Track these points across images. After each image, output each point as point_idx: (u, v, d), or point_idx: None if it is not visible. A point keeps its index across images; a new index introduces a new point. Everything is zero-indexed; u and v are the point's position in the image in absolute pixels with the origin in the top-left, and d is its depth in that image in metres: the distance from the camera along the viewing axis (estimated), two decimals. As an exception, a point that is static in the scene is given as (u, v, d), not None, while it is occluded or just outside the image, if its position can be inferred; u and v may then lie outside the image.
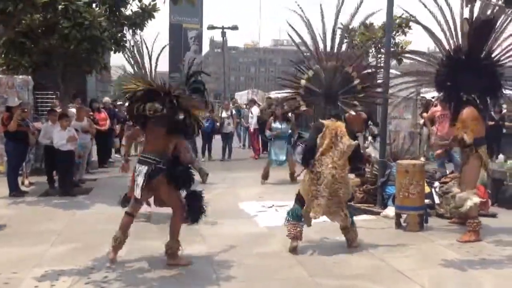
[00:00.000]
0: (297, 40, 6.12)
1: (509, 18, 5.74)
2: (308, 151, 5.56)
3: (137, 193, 4.92)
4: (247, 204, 7.97)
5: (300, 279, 4.72)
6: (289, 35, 6.10)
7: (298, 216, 5.48)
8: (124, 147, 6.27)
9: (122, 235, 5.03)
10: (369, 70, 6.19)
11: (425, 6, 6.00)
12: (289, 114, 10.67)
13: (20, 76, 10.82)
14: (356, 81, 5.68)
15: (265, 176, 10.09)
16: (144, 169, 4.87)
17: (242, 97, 27.49)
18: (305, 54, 6.12)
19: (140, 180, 4.87)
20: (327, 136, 5.41)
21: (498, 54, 5.99)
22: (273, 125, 10.30)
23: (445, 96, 6.47)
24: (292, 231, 5.43)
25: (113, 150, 13.80)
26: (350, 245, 5.58)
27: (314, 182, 5.37)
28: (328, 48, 5.80)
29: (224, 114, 14.63)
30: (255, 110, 15.59)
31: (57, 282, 4.60)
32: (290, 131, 10.46)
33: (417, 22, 6.31)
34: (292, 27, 5.96)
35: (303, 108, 5.84)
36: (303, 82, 5.84)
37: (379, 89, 6.40)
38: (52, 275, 4.76)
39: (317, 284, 4.57)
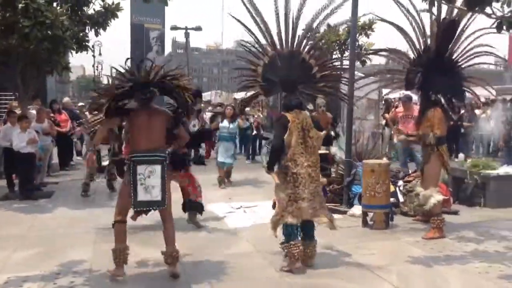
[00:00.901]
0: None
1: (471, 20, 5.93)
2: (274, 152, 4.99)
3: (155, 195, 4.56)
4: (216, 206, 7.93)
5: (271, 278, 4.73)
6: (237, 20, 5.58)
7: (292, 232, 4.89)
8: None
9: (121, 245, 4.72)
10: (326, 59, 5.89)
11: (402, 6, 6.05)
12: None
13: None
14: (315, 69, 5.33)
15: (223, 180, 10.00)
16: (157, 168, 4.53)
17: (205, 98, 27.32)
18: (256, 39, 5.61)
19: (155, 181, 4.52)
20: (293, 131, 4.88)
21: (458, 55, 6.18)
22: (221, 124, 10.11)
23: (415, 94, 6.61)
24: (294, 252, 4.82)
25: (74, 153, 13.50)
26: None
27: (291, 185, 4.86)
28: (283, 35, 5.37)
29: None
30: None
31: (21, 288, 4.47)
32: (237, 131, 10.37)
33: (390, 22, 6.39)
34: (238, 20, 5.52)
35: (263, 97, 5.62)
36: (259, 69, 5.44)
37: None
38: (16, 281, 4.62)
39: (287, 284, 4.59)
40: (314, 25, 5.43)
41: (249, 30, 5.49)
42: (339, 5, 5.50)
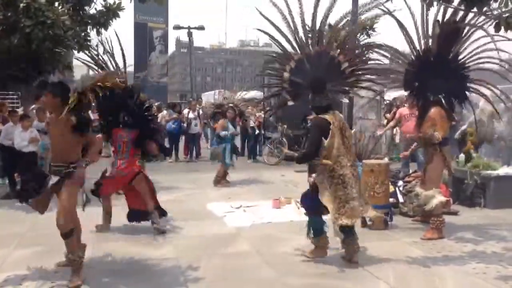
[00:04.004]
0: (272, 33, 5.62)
1: (477, 23, 5.89)
2: (312, 153, 4.97)
3: None
4: (215, 205, 7.95)
5: (268, 279, 4.74)
6: (262, 31, 5.56)
7: (319, 229, 5.18)
8: None
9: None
10: (357, 51, 5.69)
11: (407, 5, 6.02)
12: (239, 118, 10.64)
13: (-21, 76, 10.48)
14: (345, 65, 5.24)
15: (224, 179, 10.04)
16: None
17: (208, 97, 27.38)
18: (280, 45, 5.55)
19: None
20: (335, 133, 4.91)
21: (464, 57, 6.16)
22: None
23: (413, 95, 6.60)
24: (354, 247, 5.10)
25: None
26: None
27: (340, 187, 4.91)
28: (310, 36, 5.32)
29: (191, 115, 14.55)
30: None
31: (20, 287, 4.50)
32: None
33: (394, 18, 6.35)
34: (267, 18, 5.47)
35: (291, 103, 5.44)
36: (286, 75, 5.40)
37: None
38: (15, 279, 4.64)
39: (284, 284, 4.60)
40: (342, 23, 5.41)
41: (273, 37, 5.49)
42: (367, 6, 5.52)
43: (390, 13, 5.94)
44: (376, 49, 6.06)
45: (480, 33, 5.83)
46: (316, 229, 5.19)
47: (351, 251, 5.10)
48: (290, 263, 5.12)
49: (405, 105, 9.58)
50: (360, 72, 5.42)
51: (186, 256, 5.33)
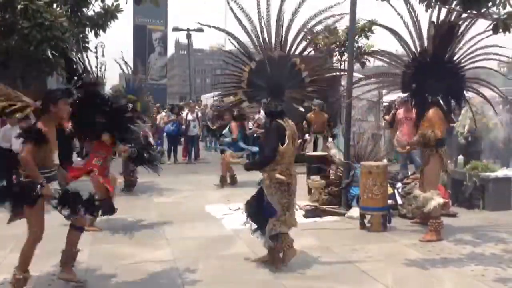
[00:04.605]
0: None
1: (471, 23, 5.91)
2: (268, 159, 4.85)
3: None
4: (214, 207, 7.94)
5: (266, 281, 4.72)
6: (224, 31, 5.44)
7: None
8: None
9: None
10: (317, 62, 5.63)
11: (395, 10, 6.04)
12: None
13: (-23, 78, 10.46)
14: (305, 74, 5.17)
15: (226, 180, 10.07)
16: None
17: (208, 99, 27.38)
18: (242, 45, 5.43)
19: None
20: (290, 140, 4.82)
21: (460, 57, 6.16)
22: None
23: (410, 97, 6.59)
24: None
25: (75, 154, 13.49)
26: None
27: (286, 195, 4.85)
28: (273, 38, 5.19)
29: (189, 117, 14.53)
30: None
31: (16, 289, 4.46)
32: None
33: (383, 26, 6.40)
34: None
35: (246, 104, 5.32)
36: (245, 74, 5.29)
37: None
38: (11, 282, 4.61)
39: (282, 286, 4.58)
40: (305, 29, 5.32)
41: (233, 36, 5.33)
42: (333, 13, 5.49)
43: (379, 24, 5.98)
44: (373, 56, 6.07)
45: (474, 31, 5.85)
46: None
47: (275, 258, 4.94)
48: (289, 266, 5.09)
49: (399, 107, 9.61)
50: (318, 84, 5.34)
51: (184, 258, 5.32)
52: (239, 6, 5.19)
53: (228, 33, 5.33)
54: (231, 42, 5.44)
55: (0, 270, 4.99)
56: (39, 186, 4.28)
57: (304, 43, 5.35)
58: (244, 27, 5.23)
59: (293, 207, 4.98)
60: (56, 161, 4.56)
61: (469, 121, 8.89)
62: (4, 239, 6.04)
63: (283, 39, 5.22)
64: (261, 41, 5.22)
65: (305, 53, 5.36)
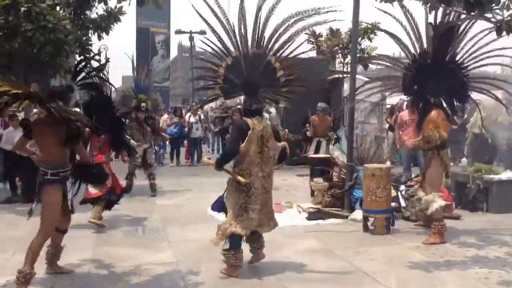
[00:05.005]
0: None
1: (471, 23, 5.90)
2: (227, 155, 4.97)
3: None
4: (216, 209, 7.90)
5: (269, 283, 4.71)
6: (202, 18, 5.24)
7: (237, 243, 4.83)
8: None
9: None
10: (291, 62, 5.31)
11: (390, 14, 6.06)
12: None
13: (-19, 80, 10.48)
14: (279, 73, 5.04)
15: None
16: None
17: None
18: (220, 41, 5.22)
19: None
20: (252, 140, 4.74)
21: (462, 57, 6.15)
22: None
23: (412, 99, 6.58)
24: (233, 262, 4.78)
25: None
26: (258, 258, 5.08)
27: (244, 195, 4.76)
28: (250, 36, 5.06)
29: (192, 119, 14.54)
30: None
31: (20, 291, 4.46)
32: None
33: (382, 30, 6.42)
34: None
35: (222, 100, 5.34)
36: (221, 70, 5.16)
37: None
38: (14, 284, 4.61)
39: (285, 288, 4.57)
40: (283, 27, 5.06)
41: (213, 29, 5.18)
42: (315, 11, 5.09)
43: (379, 29, 5.92)
44: (372, 61, 6.02)
45: (475, 31, 5.84)
46: (233, 243, 4.82)
47: (228, 265, 4.81)
48: (291, 268, 5.08)
49: (404, 110, 9.58)
50: (294, 84, 5.20)
51: (186, 261, 5.31)
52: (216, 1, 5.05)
53: (209, 25, 5.20)
54: (207, 39, 5.33)
55: (3, 272, 4.97)
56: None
57: (281, 41, 5.12)
58: (221, 22, 5.09)
59: (257, 210, 4.78)
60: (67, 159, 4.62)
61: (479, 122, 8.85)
62: (7, 242, 6.06)
63: (259, 37, 5.06)
64: (238, 37, 5.09)
65: (283, 51, 5.15)
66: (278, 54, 5.10)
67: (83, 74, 5.06)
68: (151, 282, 4.74)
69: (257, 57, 5.02)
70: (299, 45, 5.08)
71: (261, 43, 5.05)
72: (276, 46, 5.09)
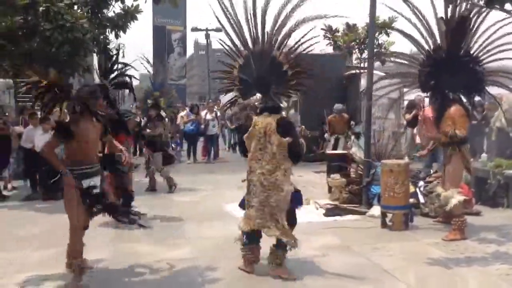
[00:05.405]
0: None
1: (483, 15, 5.79)
2: (240, 150, 5.24)
3: None
4: (233, 206, 7.89)
5: (286, 280, 4.69)
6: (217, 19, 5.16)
7: (247, 238, 4.85)
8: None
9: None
10: (296, 53, 5.07)
11: (399, 13, 5.97)
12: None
13: (1, 80, 10.67)
14: (285, 67, 4.90)
15: None
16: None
17: (226, 99, 27.57)
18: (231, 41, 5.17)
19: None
20: (253, 136, 4.73)
21: (476, 51, 6.04)
22: None
23: (431, 95, 6.47)
24: (246, 256, 4.84)
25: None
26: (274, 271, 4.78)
27: (247, 191, 4.78)
28: (259, 31, 4.94)
29: (208, 116, 14.58)
30: None
31: (41, 287, 4.55)
32: None
33: (396, 29, 6.33)
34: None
35: (241, 100, 5.10)
36: (235, 72, 5.13)
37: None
38: (36, 280, 4.70)
39: (303, 285, 4.55)
40: (280, 20, 4.89)
41: (225, 30, 5.11)
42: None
43: (390, 27, 5.81)
44: (387, 59, 5.92)
45: (488, 23, 5.72)
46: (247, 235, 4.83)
47: (244, 260, 4.83)
48: (309, 264, 5.07)
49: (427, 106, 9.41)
50: (302, 76, 5.03)
51: (204, 257, 5.33)
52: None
53: (222, 26, 5.11)
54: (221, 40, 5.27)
55: (23, 268, 5.05)
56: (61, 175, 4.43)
57: (282, 36, 5.00)
58: (230, 20, 5.00)
59: (255, 208, 4.70)
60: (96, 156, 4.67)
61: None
62: (27, 239, 6.15)
63: (261, 34, 4.98)
64: (247, 35, 5.02)
65: (285, 44, 4.96)
66: (281, 48, 4.96)
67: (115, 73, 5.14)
68: (169, 278, 4.77)
69: (263, 53, 4.94)
70: (309, 39, 4.91)
71: (272, 40, 4.94)
72: (279, 39, 4.94)
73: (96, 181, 4.53)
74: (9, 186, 9.60)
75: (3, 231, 6.62)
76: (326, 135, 11.34)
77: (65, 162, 4.49)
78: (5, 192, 9.16)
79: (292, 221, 4.76)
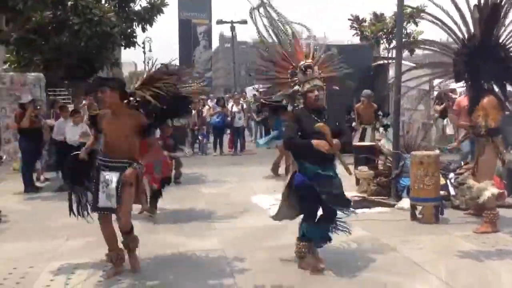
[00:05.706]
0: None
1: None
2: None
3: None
4: (260, 198, 7.94)
5: (314, 272, 4.67)
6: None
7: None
8: None
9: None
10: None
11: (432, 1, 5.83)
12: None
13: (32, 74, 10.88)
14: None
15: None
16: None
17: (252, 91, 27.47)
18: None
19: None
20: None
21: (505, 38, 5.87)
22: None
23: (468, 85, 6.31)
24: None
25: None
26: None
27: None
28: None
29: (235, 109, 14.61)
30: None
31: (73, 275, 4.65)
32: None
33: (426, 13, 6.17)
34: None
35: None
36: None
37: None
38: (68, 268, 4.80)
39: (332, 277, 4.53)
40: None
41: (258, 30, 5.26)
42: None
43: (422, 10, 5.68)
44: (421, 45, 5.79)
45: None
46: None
47: (296, 253, 4.77)
48: (339, 256, 5.04)
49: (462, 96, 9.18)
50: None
51: (232, 248, 5.35)
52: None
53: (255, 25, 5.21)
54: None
55: (57, 257, 5.18)
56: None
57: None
58: (272, 20, 5.07)
59: (283, 205, 4.98)
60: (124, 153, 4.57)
61: None
62: (60, 229, 6.27)
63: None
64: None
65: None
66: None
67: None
68: (198, 268, 4.82)
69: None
70: None
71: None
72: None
73: (113, 176, 4.49)
74: (42, 177, 9.82)
75: (36, 221, 6.79)
76: (354, 124, 11.15)
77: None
78: (38, 184, 9.38)
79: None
